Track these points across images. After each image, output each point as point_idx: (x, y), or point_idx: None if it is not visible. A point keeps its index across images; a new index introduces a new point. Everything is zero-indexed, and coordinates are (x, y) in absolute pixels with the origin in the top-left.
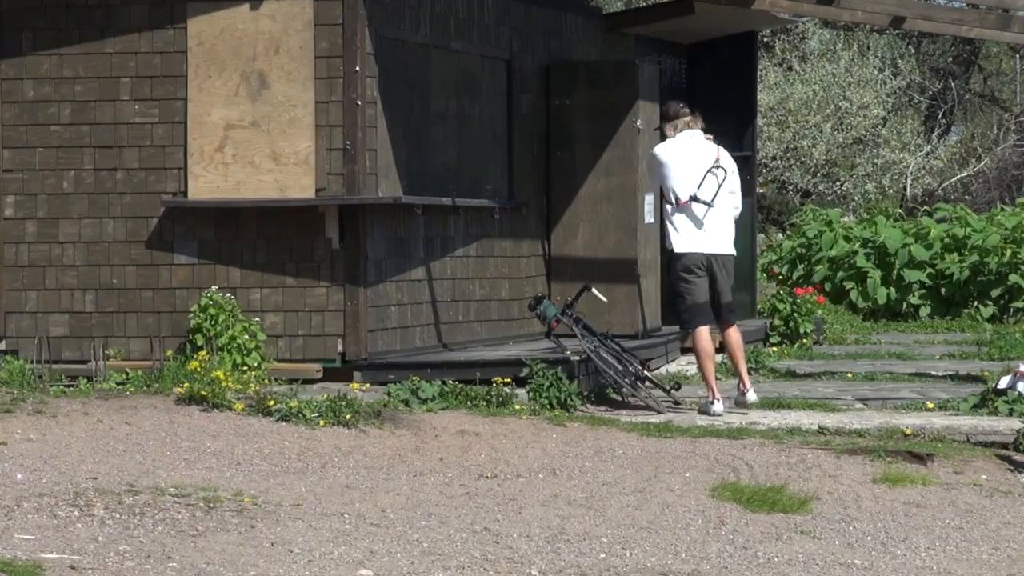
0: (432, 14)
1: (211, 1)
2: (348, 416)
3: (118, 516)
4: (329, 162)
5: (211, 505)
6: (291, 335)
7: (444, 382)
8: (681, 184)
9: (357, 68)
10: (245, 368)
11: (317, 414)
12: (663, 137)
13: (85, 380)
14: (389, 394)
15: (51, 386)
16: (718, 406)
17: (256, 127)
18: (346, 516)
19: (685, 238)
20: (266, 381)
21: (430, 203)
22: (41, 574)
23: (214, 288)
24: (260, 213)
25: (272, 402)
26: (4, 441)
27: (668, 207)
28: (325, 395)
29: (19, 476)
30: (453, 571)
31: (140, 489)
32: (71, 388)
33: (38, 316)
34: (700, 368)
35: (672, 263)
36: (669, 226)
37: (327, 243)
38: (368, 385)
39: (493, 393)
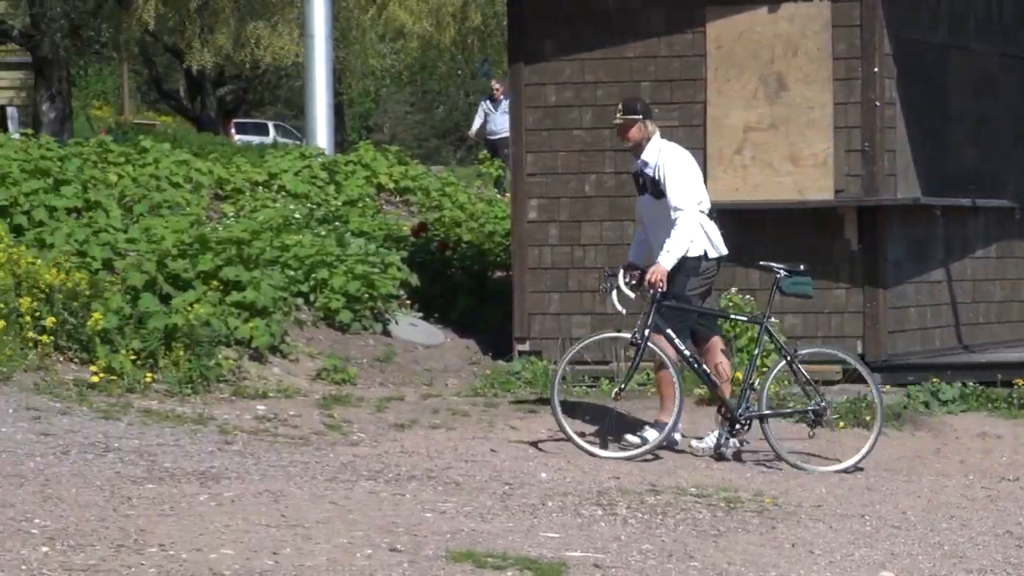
0: (950, 14)
1: (729, 5)
2: (868, 418)
3: (640, 515)
4: (847, 163)
5: (731, 505)
6: (810, 336)
7: (964, 384)
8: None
9: (875, 69)
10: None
11: (837, 415)
12: (636, 133)
13: (607, 381)
14: (908, 396)
15: (573, 387)
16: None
17: (774, 129)
18: (866, 518)
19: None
20: (785, 382)
21: (949, 204)
22: (565, 572)
23: (734, 290)
24: (777, 215)
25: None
26: (535, 442)
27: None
28: (844, 397)
29: (543, 475)
30: (975, 574)
31: (661, 489)
32: (593, 389)
33: (560, 318)
34: None
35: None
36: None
37: (845, 245)
38: (887, 387)
39: (1015, 395)
